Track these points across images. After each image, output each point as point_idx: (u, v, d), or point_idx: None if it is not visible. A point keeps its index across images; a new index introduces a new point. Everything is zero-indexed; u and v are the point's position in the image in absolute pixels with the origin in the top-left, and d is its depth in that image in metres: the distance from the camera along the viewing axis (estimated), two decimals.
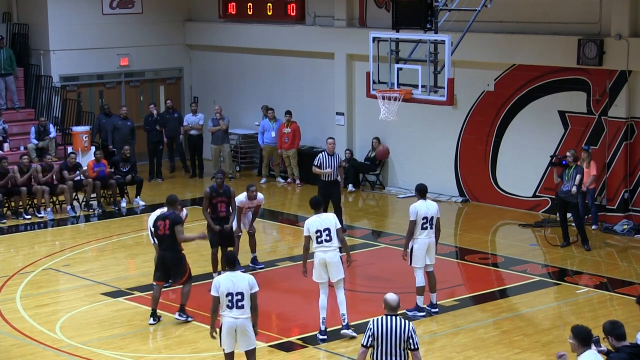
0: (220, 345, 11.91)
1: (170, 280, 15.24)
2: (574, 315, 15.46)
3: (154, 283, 14.92)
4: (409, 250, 15.02)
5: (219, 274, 16.67)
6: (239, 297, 11.62)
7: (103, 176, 22.54)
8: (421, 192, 15.11)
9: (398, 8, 17.78)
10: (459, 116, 22.72)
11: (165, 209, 15.29)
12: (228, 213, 16.66)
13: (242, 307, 11.63)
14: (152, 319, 14.88)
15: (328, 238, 14.02)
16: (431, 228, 14.96)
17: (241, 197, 17.15)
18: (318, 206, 14.44)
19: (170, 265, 14.77)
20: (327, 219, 14.16)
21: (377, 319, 10.09)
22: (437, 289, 15.39)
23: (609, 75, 20.17)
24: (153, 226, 15.18)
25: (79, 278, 17.20)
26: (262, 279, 17.11)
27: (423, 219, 14.87)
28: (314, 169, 19.36)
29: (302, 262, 14.43)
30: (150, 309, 14.90)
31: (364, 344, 10.10)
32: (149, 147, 25.75)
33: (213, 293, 11.77)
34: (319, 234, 14.03)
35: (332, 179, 19.09)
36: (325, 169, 19.06)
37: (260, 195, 17.45)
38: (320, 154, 19.40)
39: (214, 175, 17.38)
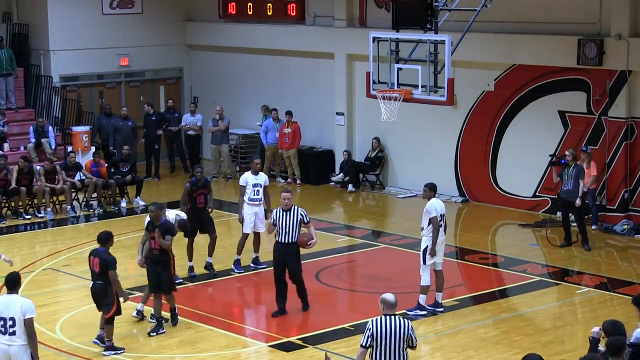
0: None
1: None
2: (574, 315, 15.47)
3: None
4: (425, 248, 14.84)
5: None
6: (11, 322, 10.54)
7: (98, 176, 22.53)
8: (435, 189, 15.13)
9: (398, 8, 17.79)
10: (459, 116, 22.70)
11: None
12: (206, 204, 17.10)
13: (13, 333, 10.56)
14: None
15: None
16: (443, 226, 14.98)
17: (244, 175, 17.39)
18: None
19: None
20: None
21: (376, 319, 9.99)
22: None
23: (609, 75, 20.16)
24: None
25: (79, 278, 17.16)
26: (263, 279, 17.15)
27: (440, 216, 14.87)
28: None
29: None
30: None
31: (364, 344, 9.98)
32: (146, 146, 25.75)
33: None
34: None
35: (288, 240, 15.05)
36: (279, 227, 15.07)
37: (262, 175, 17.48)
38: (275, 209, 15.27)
39: (194, 171, 17.61)
